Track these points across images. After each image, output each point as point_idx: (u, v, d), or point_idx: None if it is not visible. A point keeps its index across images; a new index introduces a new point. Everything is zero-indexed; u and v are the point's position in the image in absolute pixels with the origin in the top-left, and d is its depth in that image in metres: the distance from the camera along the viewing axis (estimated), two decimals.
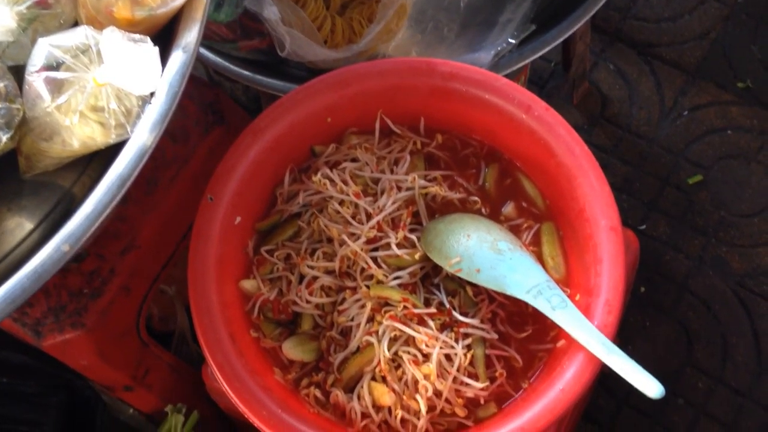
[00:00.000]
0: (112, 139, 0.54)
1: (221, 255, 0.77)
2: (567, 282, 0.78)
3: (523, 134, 0.79)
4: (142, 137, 0.55)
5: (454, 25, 0.88)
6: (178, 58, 0.57)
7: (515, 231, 0.80)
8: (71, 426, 0.93)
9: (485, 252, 0.75)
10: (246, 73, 0.91)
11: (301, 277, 0.79)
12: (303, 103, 0.80)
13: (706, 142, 1.50)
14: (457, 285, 0.77)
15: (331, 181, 0.80)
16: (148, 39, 0.54)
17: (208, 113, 0.93)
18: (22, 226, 0.59)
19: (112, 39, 0.52)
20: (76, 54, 0.52)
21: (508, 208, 0.82)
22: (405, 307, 0.74)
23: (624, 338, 1.34)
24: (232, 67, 0.91)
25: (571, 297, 0.75)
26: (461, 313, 0.75)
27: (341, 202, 0.80)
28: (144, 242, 0.88)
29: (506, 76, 0.83)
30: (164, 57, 0.58)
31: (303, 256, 0.79)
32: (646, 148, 1.52)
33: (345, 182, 0.80)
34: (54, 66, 0.52)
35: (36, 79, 0.51)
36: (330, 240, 0.80)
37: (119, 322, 0.90)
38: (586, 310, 0.71)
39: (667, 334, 1.39)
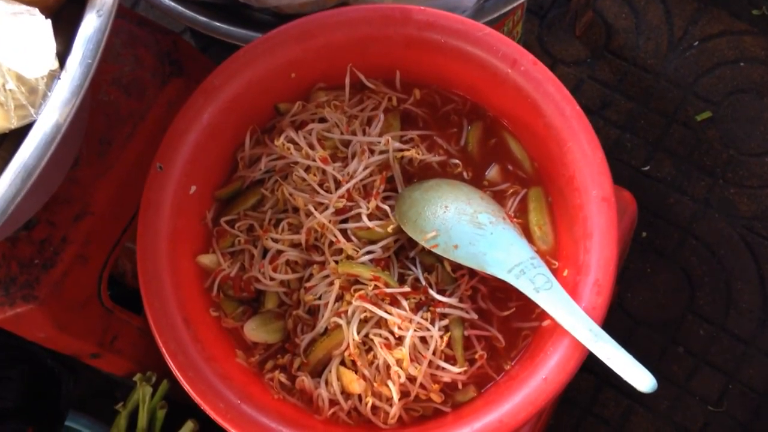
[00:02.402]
0: (14, 123, 0.46)
1: (174, 230, 0.70)
2: (555, 254, 0.71)
3: (508, 91, 0.70)
4: (51, 118, 0.47)
5: None
6: (91, 23, 0.48)
7: (499, 197, 0.73)
8: (35, 397, 0.89)
9: (464, 226, 0.67)
10: (202, 19, 0.81)
11: (265, 251, 0.73)
12: (262, 58, 0.72)
13: (716, 76, 1.41)
14: (434, 260, 0.71)
15: (296, 144, 0.72)
16: (36, 11, 0.45)
17: (165, 63, 0.84)
18: None
19: None
20: None
21: (492, 172, 0.74)
22: (376, 286, 0.68)
23: (624, 284, 1.30)
24: (185, 11, 0.81)
25: (558, 271, 0.69)
26: (438, 291, 0.69)
27: (307, 168, 0.73)
28: (99, 207, 0.81)
29: (495, 19, 0.74)
30: (78, 21, 0.49)
31: (266, 228, 0.72)
32: (652, 82, 1.43)
33: (311, 146, 0.73)
34: None
35: None
36: (296, 210, 0.73)
37: (77, 292, 0.84)
38: (574, 290, 0.64)
39: (669, 280, 1.34)
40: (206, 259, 0.73)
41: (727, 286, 1.31)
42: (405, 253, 0.72)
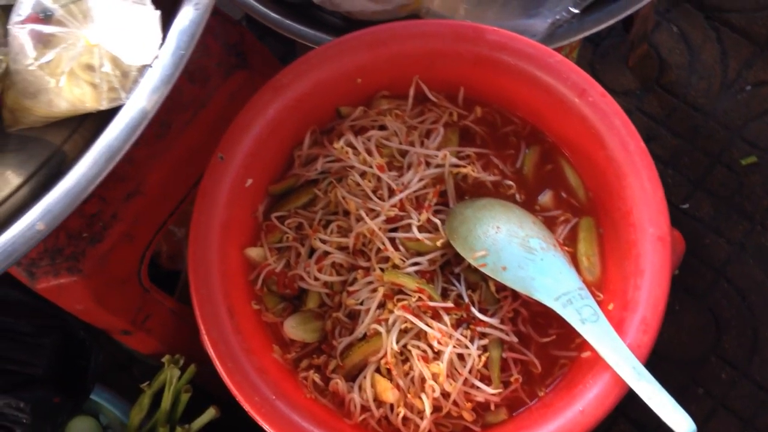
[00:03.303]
0: (104, 104, 0.47)
1: (227, 220, 0.70)
2: (601, 286, 0.71)
3: (572, 119, 0.70)
4: (139, 104, 0.48)
5: None
6: (188, 15, 0.49)
7: (550, 223, 0.73)
8: (64, 367, 0.90)
9: (514, 248, 0.68)
10: (273, 15, 0.82)
11: (312, 251, 0.73)
12: (332, 61, 0.72)
13: (766, 122, 1.40)
14: (479, 278, 0.71)
15: (354, 149, 0.73)
16: (149, 2, 0.46)
17: (231, 55, 0.85)
18: (7, 183, 0.53)
19: None
20: (68, 6, 0.44)
21: (546, 197, 0.74)
22: (420, 298, 0.68)
23: None
24: (258, 6, 0.82)
25: (603, 304, 0.69)
26: (480, 310, 0.69)
27: (363, 174, 0.73)
28: (151, 188, 0.82)
29: (562, 47, 0.74)
30: (174, 11, 0.50)
31: (316, 228, 0.73)
32: (700, 121, 1.42)
33: (369, 152, 0.73)
34: (42, 17, 0.45)
35: (20, 32, 0.44)
36: (347, 213, 0.74)
37: (119, 269, 0.85)
38: (619, 325, 0.64)
39: (696, 320, 1.33)
40: (253, 252, 0.74)
41: (754, 332, 1.30)
42: (450, 268, 0.72)
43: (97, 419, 1.07)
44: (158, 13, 0.46)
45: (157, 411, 0.94)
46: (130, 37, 0.44)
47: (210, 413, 0.92)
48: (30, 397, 0.85)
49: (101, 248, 0.80)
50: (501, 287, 0.70)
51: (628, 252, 0.67)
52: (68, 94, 0.46)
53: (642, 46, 1.43)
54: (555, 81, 0.70)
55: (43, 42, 0.45)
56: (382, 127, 0.76)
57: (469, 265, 0.71)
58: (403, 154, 0.75)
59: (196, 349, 0.98)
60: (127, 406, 1.02)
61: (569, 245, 0.72)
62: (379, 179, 0.73)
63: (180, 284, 1.08)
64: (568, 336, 0.70)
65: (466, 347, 0.67)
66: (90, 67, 0.46)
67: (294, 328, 0.71)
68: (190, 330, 1.03)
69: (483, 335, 0.68)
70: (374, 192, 0.73)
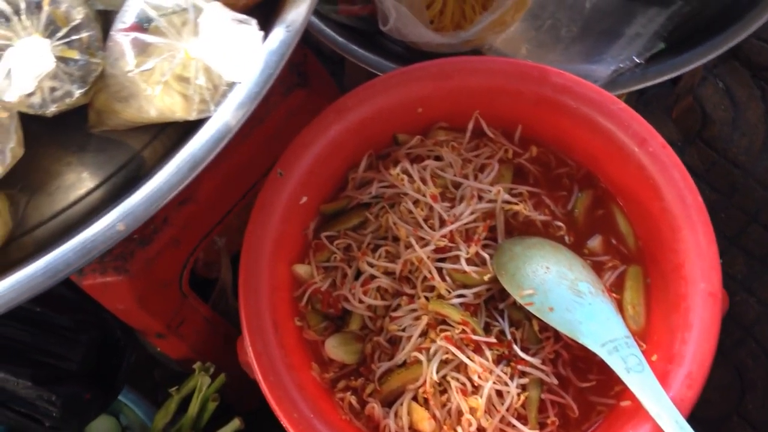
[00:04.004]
0: (193, 115, 0.48)
1: (280, 235, 0.71)
2: (644, 336, 0.71)
3: (630, 167, 0.71)
4: (224, 118, 0.49)
5: (574, 27, 0.80)
6: (279, 35, 0.50)
7: (597, 268, 0.73)
8: (97, 365, 0.91)
9: (563, 290, 0.68)
10: (340, 39, 0.83)
11: (358, 273, 0.74)
12: (396, 89, 0.74)
13: None
14: (523, 316, 0.71)
15: (410, 177, 0.74)
16: (254, 22, 0.47)
17: (293, 73, 0.87)
18: (83, 183, 0.54)
19: (215, 15, 0.45)
20: (170, 17, 0.46)
21: (595, 242, 0.74)
22: (463, 331, 0.68)
23: None
24: (326, 29, 0.84)
25: (646, 355, 0.68)
26: (522, 348, 0.69)
27: (416, 202, 0.74)
28: (203, 196, 0.83)
29: (622, 95, 0.75)
30: (264, 30, 0.51)
31: (364, 251, 0.74)
32: (739, 178, 1.42)
33: (424, 181, 0.74)
34: (143, 25, 0.46)
35: (123, 39, 0.46)
36: (396, 239, 0.74)
37: (163, 272, 0.86)
38: (663, 378, 0.64)
39: (721, 377, 1.32)
40: (301, 269, 0.74)
41: None
42: (494, 304, 0.73)
43: (117, 419, 1.07)
44: (261, 33, 0.47)
45: (181, 416, 0.95)
46: (232, 55, 0.46)
47: (235, 424, 0.93)
48: (62, 392, 0.86)
49: (149, 251, 0.81)
50: (544, 327, 0.71)
51: (676, 305, 0.67)
52: (159, 102, 0.47)
53: (687, 98, 1.43)
54: (616, 128, 0.70)
55: (143, 50, 0.46)
56: (438, 158, 0.77)
57: (514, 302, 0.71)
58: (457, 186, 0.75)
59: (223, 359, 0.99)
60: (150, 408, 1.03)
61: (615, 292, 0.72)
62: (431, 209, 0.74)
63: (215, 293, 1.09)
64: (607, 383, 0.70)
65: (506, 384, 0.67)
66: (184, 79, 0.47)
67: (335, 348, 0.72)
68: (219, 339, 1.04)
69: (523, 374, 0.69)
70: (425, 221, 0.73)
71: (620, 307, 0.72)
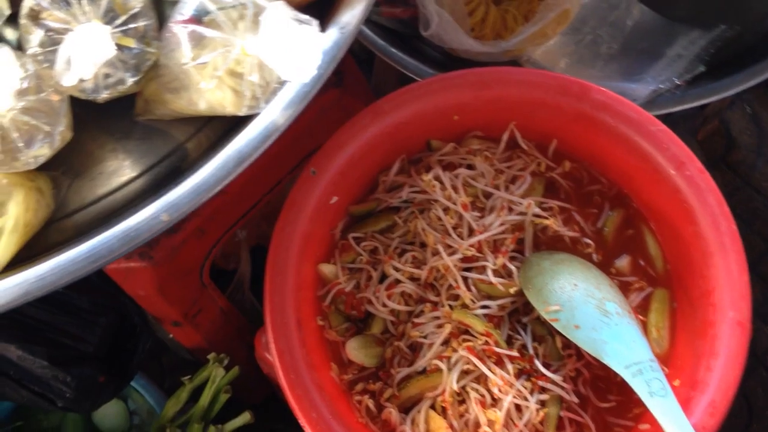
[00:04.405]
0: (243, 111, 0.48)
1: (309, 233, 0.71)
2: (667, 360, 0.70)
3: (664, 190, 0.70)
4: (272, 115, 0.49)
5: (614, 44, 0.79)
6: (332, 36, 0.50)
7: (624, 289, 0.73)
8: (113, 349, 0.91)
9: (590, 309, 0.67)
10: (380, 41, 0.83)
11: (383, 277, 0.74)
12: (434, 95, 0.73)
13: None
14: (546, 331, 0.71)
15: (441, 184, 0.74)
16: (315, 23, 0.47)
17: (332, 73, 0.87)
18: (125, 170, 0.54)
19: (277, 14, 0.45)
20: (228, 11, 0.46)
21: (623, 262, 0.74)
22: (486, 342, 0.68)
23: None
24: (366, 30, 0.84)
25: (668, 379, 0.68)
26: (544, 364, 0.69)
27: (446, 209, 0.74)
28: (231, 189, 0.83)
29: (659, 116, 0.74)
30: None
31: (391, 255, 0.73)
32: (761, 204, 1.41)
33: (455, 189, 0.74)
34: (201, 17, 0.46)
35: (181, 31, 0.46)
36: (423, 245, 0.74)
37: (186, 261, 0.86)
38: (686, 404, 0.64)
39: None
40: (326, 269, 0.74)
41: None
42: (517, 317, 0.72)
43: (125, 403, 1.07)
44: (321, 35, 0.47)
45: (192, 406, 0.95)
46: (291, 55, 0.46)
47: (245, 417, 0.93)
48: (77, 373, 0.86)
49: (175, 239, 0.81)
50: (566, 344, 0.70)
51: (703, 331, 0.67)
52: (210, 95, 0.47)
53: (713, 122, 1.43)
54: (654, 149, 0.70)
55: (199, 43, 0.46)
56: (470, 167, 0.76)
57: (538, 317, 0.71)
58: (487, 196, 0.75)
59: (234, 350, 0.99)
60: (159, 394, 1.03)
61: (640, 314, 0.72)
62: (460, 217, 0.73)
63: (232, 285, 1.09)
64: (626, 405, 0.69)
65: (526, 399, 0.67)
66: (237, 74, 0.47)
67: (356, 350, 0.72)
68: (232, 330, 1.04)
69: (543, 390, 0.68)
70: (454, 229, 0.73)
71: (644, 330, 0.71)
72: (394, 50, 0.83)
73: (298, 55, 0.46)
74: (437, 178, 0.74)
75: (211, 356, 0.94)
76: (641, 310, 0.72)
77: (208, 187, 0.49)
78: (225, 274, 1.13)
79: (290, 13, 0.45)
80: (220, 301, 0.98)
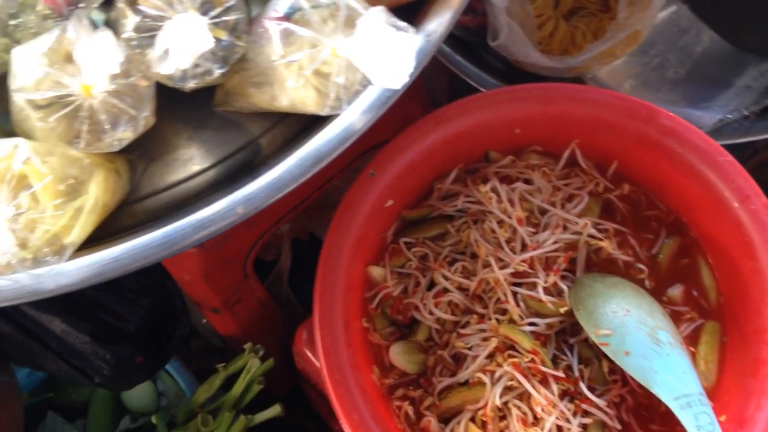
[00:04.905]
0: (325, 111, 0.48)
1: (362, 234, 0.71)
2: (713, 395, 0.69)
3: (726, 222, 0.69)
4: (351, 117, 0.49)
5: (681, 70, 0.78)
6: (418, 43, 0.50)
7: (675, 318, 0.72)
8: (153, 330, 0.92)
9: (642, 336, 0.67)
10: (445, 48, 0.83)
11: (431, 284, 0.73)
12: (498, 107, 0.73)
13: None
14: (592, 354, 0.70)
15: (498, 196, 0.73)
16: (412, 30, 0.47)
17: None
18: (199, 160, 0.54)
19: (375, 19, 0.45)
20: (320, 10, 0.46)
21: (676, 291, 0.73)
22: (532, 360, 0.68)
23: None
24: None
25: (714, 413, 0.67)
26: (588, 388, 0.68)
27: (500, 222, 0.73)
28: None
29: (723, 146, 0.73)
30: None
31: (441, 263, 0.73)
32: None
33: (512, 203, 0.73)
34: (293, 15, 0.46)
35: (274, 27, 0.46)
36: (474, 256, 0.74)
37: (233, 250, 0.87)
38: None
39: None
40: (375, 271, 0.74)
41: None
42: (564, 337, 0.72)
43: (154, 384, 1.08)
44: (418, 43, 0.46)
45: (223, 394, 0.95)
46: (386, 60, 0.45)
47: (275, 410, 0.93)
48: (116, 351, 0.87)
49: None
50: (612, 369, 0.69)
51: (755, 369, 0.65)
52: (294, 93, 0.47)
53: (763, 153, 1.40)
54: (719, 180, 0.69)
55: (290, 41, 0.46)
56: (527, 181, 0.76)
57: (585, 339, 0.70)
58: (543, 212, 0.74)
59: (265, 341, 1.00)
60: (191, 378, 1.03)
61: (689, 345, 0.71)
62: (514, 231, 0.73)
63: (271, 276, 1.09)
64: None
65: (568, 421, 0.66)
66: (323, 74, 0.47)
67: (399, 355, 0.71)
68: (266, 321, 1.04)
69: (586, 413, 0.68)
70: (507, 242, 0.73)
71: (693, 362, 0.70)
72: (458, 58, 0.82)
73: (392, 62, 0.45)
74: (494, 190, 0.74)
75: (247, 346, 0.95)
76: (690, 341, 0.71)
77: (284, 183, 0.49)
78: (263, 264, 1.14)
79: (389, 18, 0.45)
80: (259, 291, 0.99)
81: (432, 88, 1.10)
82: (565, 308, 0.70)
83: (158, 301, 0.92)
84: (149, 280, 0.92)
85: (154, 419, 0.93)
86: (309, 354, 0.77)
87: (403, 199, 0.75)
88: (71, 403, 1.08)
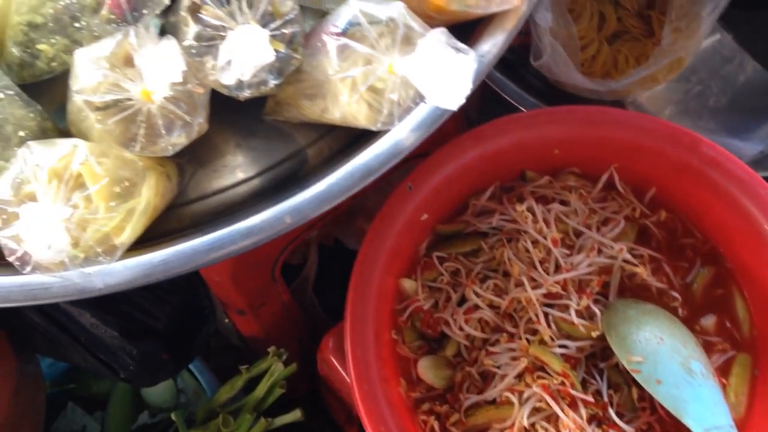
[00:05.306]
0: (377, 126, 0.48)
1: (396, 247, 0.71)
2: (742, 428, 0.69)
3: (764, 255, 0.69)
4: (401, 134, 0.49)
5: (722, 99, 0.78)
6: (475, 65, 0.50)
7: (706, 348, 0.71)
8: (179, 328, 0.92)
9: (674, 366, 0.66)
10: None
11: (462, 300, 0.73)
12: (539, 127, 0.73)
13: None
14: (622, 380, 0.70)
15: (534, 216, 0.73)
16: (472, 53, 0.47)
17: None
18: (246, 167, 0.55)
19: (436, 39, 0.45)
20: (378, 26, 0.46)
21: (709, 321, 0.73)
22: (562, 383, 0.67)
23: None
24: None
25: None
26: (617, 414, 0.68)
27: (534, 242, 0.73)
28: None
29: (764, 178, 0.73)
30: None
31: (473, 280, 0.73)
32: None
33: (547, 223, 0.73)
34: (350, 30, 0.46)
35: (332, 42, 0.46)
36: (506, 275, 0.73)
37: (263, 254, 0.87)
38: None
39: None
40: (407, 284, 0.74)
41: None
42: (594, 361, 0.71)
43: (174, 381, 1.09)
44: (476, 66, 0.47)
45: (244, 395, 0.96)
46: (443, 81, 0.46)
47: (295, 414, 0.93)
48: (143, 347, 0.87)
49: None
50: (641, 396, 0.69)
51: None
52: (347, 107, 0.48)
53: None
54: (760, 213, 0.68)
55: (345, 55, 0.46)
56: (563, 202, 0.76)
57: (616, 364, 0.70)
58: (578, 234, 0.74)
59: (286, 344, 1.00)
60: (212, 378, 1.04)
61: (720, 377, 0.70)
62: (549, 252, 0.73)
63: (297, 281, 1.10)
64: None
65: None
66: (377, 90, 0.47)
67: (427, 369, 0.71)
68: (288, 325, 1.05)
69: None
70: (541, 263, 0.72)
71: (723, 393, 0.70)
72: (498, 75, 0.83)
73: (450, 82, 0.46)
74: (530, 210, 0.74)
75: (271, 350, 0.95)
76: (721, 372, 0.71)
77: (332, 196, 0.50)
78: (287, 268, 1.14)
79: (450, 40, 0.46)
80: (284, 296, 0.99)
81: (465, 105, 1.11)
82: (597, 332, 0.70)
83: (187, 300, 0.93)
84: (179, 279, 0.92)
85: (173, 416, 0.94)
86: (335, 362, 0.77)
87: (438, 213, 0.75)
88: (92, 395, 1.09)
